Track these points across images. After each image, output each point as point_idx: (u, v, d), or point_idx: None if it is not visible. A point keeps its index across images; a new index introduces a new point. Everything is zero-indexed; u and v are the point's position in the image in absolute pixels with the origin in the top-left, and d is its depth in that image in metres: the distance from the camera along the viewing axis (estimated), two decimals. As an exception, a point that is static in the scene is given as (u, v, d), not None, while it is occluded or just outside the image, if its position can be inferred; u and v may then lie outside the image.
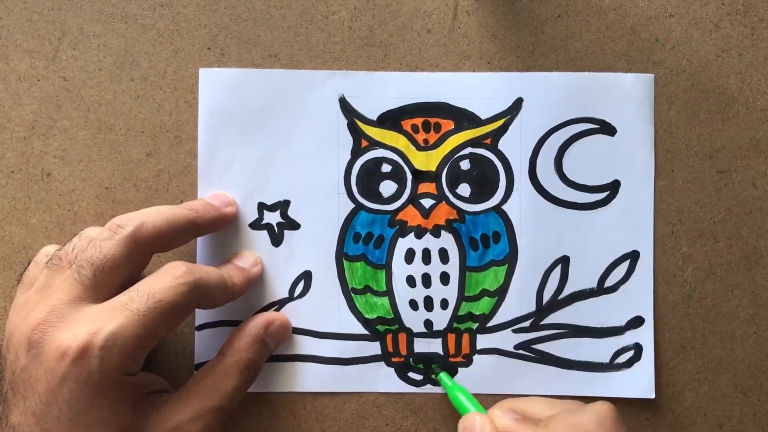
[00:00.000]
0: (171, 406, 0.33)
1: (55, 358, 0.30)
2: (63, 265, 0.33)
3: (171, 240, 0.35)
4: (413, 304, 0.39)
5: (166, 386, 0.35)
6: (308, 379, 0.39)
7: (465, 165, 0.39)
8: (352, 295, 0.39)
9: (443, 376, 0.38)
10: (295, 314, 0.39)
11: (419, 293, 0.39)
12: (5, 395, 0.32)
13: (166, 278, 0.32)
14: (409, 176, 0.39)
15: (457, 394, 0.37)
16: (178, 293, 0.32)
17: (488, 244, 0.39)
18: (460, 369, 0.39)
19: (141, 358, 0.32)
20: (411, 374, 0.39)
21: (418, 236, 0.39)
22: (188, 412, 0.33)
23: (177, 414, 0.33)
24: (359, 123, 0.39)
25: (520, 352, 0.39)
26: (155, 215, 0.34)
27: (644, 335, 0.39)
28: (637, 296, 0.39)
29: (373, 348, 0.39)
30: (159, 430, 0.32)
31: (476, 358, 0.39)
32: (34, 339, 0.31)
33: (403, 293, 0.39)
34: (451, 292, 0.39)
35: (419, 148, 0.39)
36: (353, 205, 0.39)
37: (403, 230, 0.39)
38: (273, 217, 0.39)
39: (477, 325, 0.39)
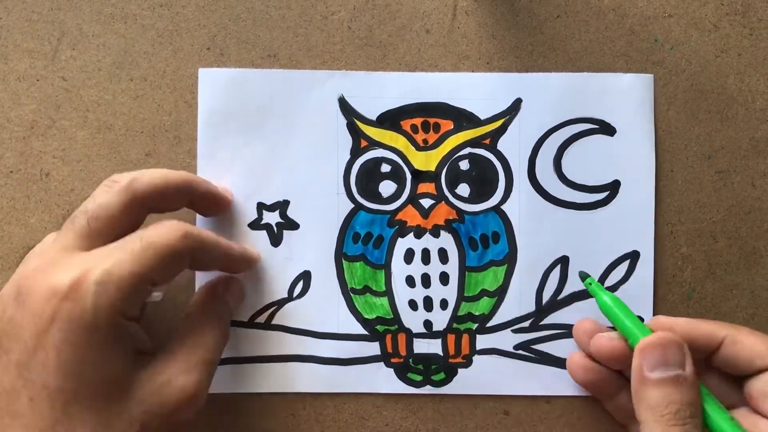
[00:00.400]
0: (159, 364, 0.32)
1: (45, 297, 0.29)
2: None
3: (166, 197, 0.34)
4: (413, 305, 0.39)
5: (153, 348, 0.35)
6: (308, 379, 0.39)
7: (464, 165, 0.39)
8: (352, 295, 0.39)
9: (596, 286, 0.36)
10: (295, 314, 0.39)
11: (419, 293, 0.39)
12: None
13: (159, 226, 0.32)
14: (409, 176, 0.39)
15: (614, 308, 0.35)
16: (171, 237, 0.31)
17: (487, 244, 0.39)
18: (459, 369, 0.39)
19: (138, 301, 0.31)
20: (410, 375, 0.39)
21: (418, 236, 0.39)
22: (177, 367, 0.32)
23: (166, 369, 0.32)
24: (358, 123, 0.39)
25: (520, 352, 0.39)
26: (152, 171, 0.34)
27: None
28: (637, 296, 0.39)
29: (373, 348, 0.39)
30: (149, 385, 0.31)
31: (476, 358, 0.39)
32: (23, 285, 0.30)
33: (402, 293, 0.39)
34: (450, 292, 0.39)
35: (418, 148, 0.39)
36: (352, 205, 0.39)
37: (402, 230, 0.39)
38: (272, 217, 0.39)
39: (476, 325, 0.39)
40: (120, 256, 0.30)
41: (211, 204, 0.37)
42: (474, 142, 0.39)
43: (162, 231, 0.32)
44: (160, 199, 0.34)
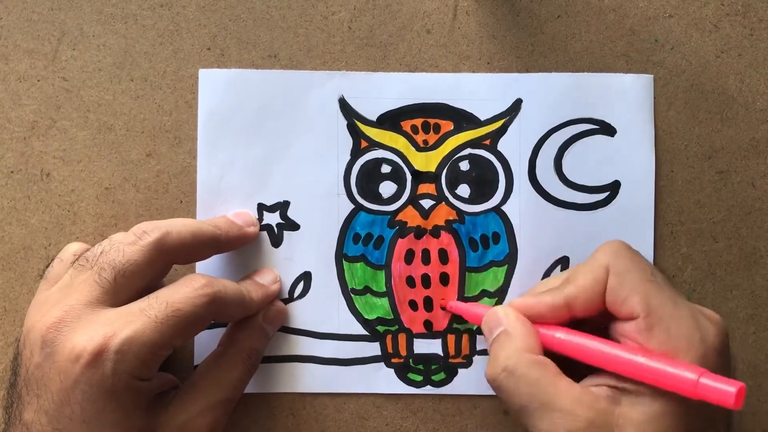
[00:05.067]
0: (178, 404, 0.33)
1: (69, 359, 0.30)
2: (87, 266, 0.33)
3: (193, 253, 0.35)
4: (413, 305, 0.39)
5: (176, 383, 0.36)
6: (308, 379, 0.39)
7: (464, 166, 0.39)
8: (352, 295, 0.39)
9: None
10: (295, 315, 0.39)
11: (419, 294, 0.39)
12: (20, 392, 0.32)
13: (185, 288, 0.32)
14: (409, 177, 0.39)
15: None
16: (196, 304, 0.32)
17: (488, 245, 0.39)
18: (459, 370, 0.39)
19: (155, 366, 0.32)
20: (411, 375, 0.39)
21: (418, 237, 0.39)
22: (196, 407, 0.33)
23: (185, 410, 0.33)
24: (359, 124, 0.39)
25: (520, 352, 0.39)
26: (181, 227, 0.34)
27: (644, 336, 0.39)
28: (637, 297, 0.39)
29: (373, 348, 0.39)
30: (168, 428, 0.32)
31: (476, 359, 0.39)
32: (48, 338, 0.31)
33: (402, 294, 0.39)
34: (450, 292, 0.39)
35: (419, 148, 0.39)
36: (353, 206, 0.39)
37: (402, 231, 0.39)
38: (272, 218, 0.39)
39: (476, 325, 0.39)
40: (143, 323, 0.31)
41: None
42: (474, 143, 0.39)
43: (188, 296, 0.32)
44: (187, 255, 0.35)
